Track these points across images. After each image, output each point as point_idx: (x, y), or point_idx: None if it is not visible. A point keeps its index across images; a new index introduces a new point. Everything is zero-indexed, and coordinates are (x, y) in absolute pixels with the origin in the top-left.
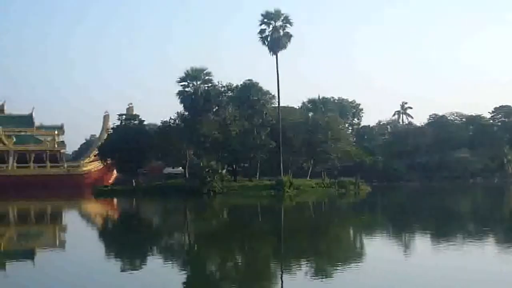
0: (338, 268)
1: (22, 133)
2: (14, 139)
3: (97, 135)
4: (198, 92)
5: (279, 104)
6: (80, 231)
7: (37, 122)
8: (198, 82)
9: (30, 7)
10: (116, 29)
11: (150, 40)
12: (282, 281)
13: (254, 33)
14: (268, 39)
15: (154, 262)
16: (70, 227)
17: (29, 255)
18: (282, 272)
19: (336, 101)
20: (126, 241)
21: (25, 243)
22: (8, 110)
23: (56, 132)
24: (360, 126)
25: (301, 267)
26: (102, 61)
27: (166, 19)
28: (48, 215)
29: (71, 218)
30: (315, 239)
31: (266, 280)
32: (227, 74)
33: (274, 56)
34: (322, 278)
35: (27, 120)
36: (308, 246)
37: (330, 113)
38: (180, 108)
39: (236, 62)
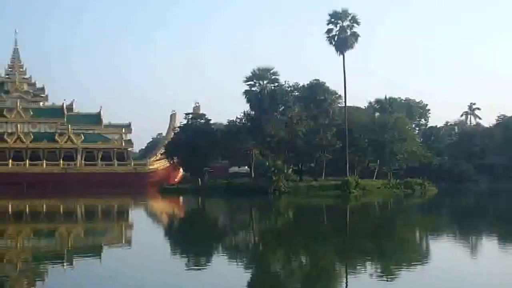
0: (403, 268)
1: (90, 131)
2: (83, 137)
3: (164, 134)
4: (264, 92)
5: (345, 104)
6: (146, 228)
7: (105, 121)
8: (265, 82)
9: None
10: (186, 28)
11: (218, 39)
12: (346, 281)
13: (320, 32)
14: (335, 39)
15: (219, 261)
16: (136, 225)
17: (96, 251)
18: (346, 272)
19: (403, 101)
20: (191, 239)
21: (92, 239)
22: (77, 108)
23: (123, 131)
24: (427, 126)
25: (365, 267)
26: (171, 60)
27: (236, 18)
28: (114, 213)
29: (137, 215)
30: (380, 240)
31: (330, 280)
32: (293, 73)
33: (341, 56)
34: (387, 279)
35: (95, 118)
36: (373, 246)
37: (397, 113)
38: (246, 107)
39: (302, 62)
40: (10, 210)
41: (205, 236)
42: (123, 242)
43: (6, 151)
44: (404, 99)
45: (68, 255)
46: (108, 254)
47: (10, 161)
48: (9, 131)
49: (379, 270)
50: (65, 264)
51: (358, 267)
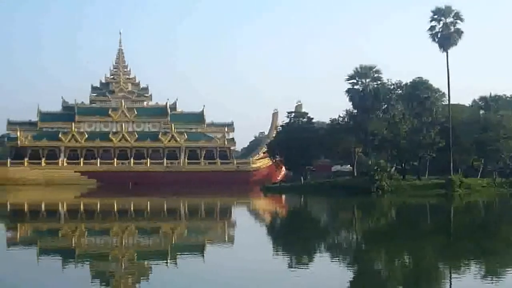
0: (508, 270)
1: (193, 130)
2: (186, 136)
3: (266, 133)
4: (367, 90)
5: (449, 101)
6: (248, 227)
7: (207, 120)
8: (367, 80)
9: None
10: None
11: (323, 38)
12: (450, 282)
13: (422, 29)
14: (438, 36)
15: (322, 260)
16: (239, 223)
17: (199, 250)
18: (450, 273)
19: (508, 98)
20: (294, 238)
21: (195, 238)
22: (180, 108)
23: (226, 129)
24: None
25: (470, 268)
26: (271, 60)
27: (338, 18)
28: (217, 211)
29: (239, 214)
30: (485, 240)
31: (433, 280)
32: (396, 71)
33: (444, 53)
34: (492, 280)
35: (198, 117)
36: (478, 246)
37: (503, 111)
38: (348, 106)
39: (404, 59)
40: (115, 208)
41: (308, 235)
42: (226, 240)
43: (111, 150)
44: (509, 96)
45: (172, 253)
46: (211, 253)
47: (115, 160)
48: (114, 130)
49: (483, 271)
50: (168, 262)
51: (462, 268)
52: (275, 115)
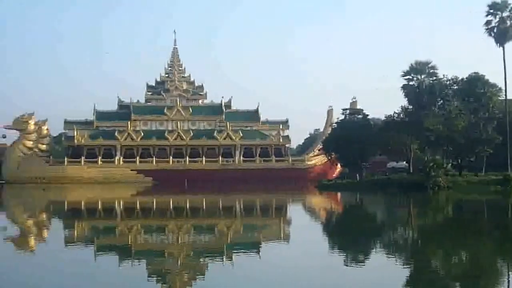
0: None
1: (248, 128)
2: (241, 134)
3: (321, 130)
4: (422, 86)
5: (506, 97)
6: (304, 224)
7: (262, 117)
8: (423, 76)
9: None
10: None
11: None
12: (508, 281)
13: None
14: (495, 30)
15: (378, 257)
16: (294, 220)
17: (255, 247)
18: (508, 271)
19: None
20: (350, 235)
21: (251, 235)
22: (234, 106)
23: (281, 127)
24: None
25: None
26: (327, 57)
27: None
28: (272, 208)
29: (295, 211)
30: None
31: (491, 279)
32: (451, 67)
33: (501, 48)
34: None
35: (253, 115)
36: None
37: None
38: (403, 102)
39: (458, 55)
40: (171, 205)
41: (363, 231)
42: (281, 238)
43: (167, 149)
44: None
45: (227, 251)
46: (266, 250)
47: (171, 158)
48: (170, 128)
49: None
50: (224, 259)
51: None
52: (330, 112)
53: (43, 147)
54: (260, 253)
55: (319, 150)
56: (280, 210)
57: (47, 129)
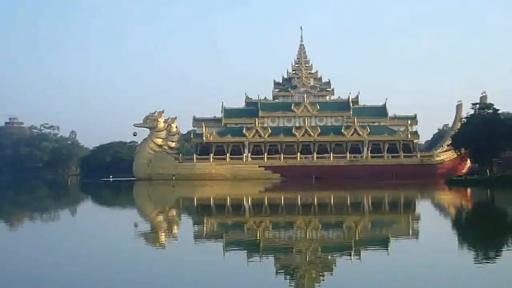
0: None
1: (376, 124)
2: (368, 130)
3: (450, 125)
4: None
5: None
6: (433, 220)
7: (390, 113)
8: None
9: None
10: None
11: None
12: None
13: None
14: None
15: (510, 255)
16: (423, 217)
17: (383, 244)
18: None
19: None
20: (480, 232)
21: (379, 231)
22: (361, 101)
23: (409, 123)
24: None
25: None
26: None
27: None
28: (401, 204)
29: (424, 207)
30: None
31: None
32: None
33: None
34: None
35: (381, 110)
36: None
37: None
38: None
39: None
40: (299, 201)
41: (495, 229)
42: (410, 234)
43: (295, 145)
44: None
45: (356, 247)
46: (395, 247)
47: (299, 154)
48: (297, 125)
49: None
50: (352, 256)
51: None
52: (459, 107)
53: (173, 144)
54: (388, 249)
55: (448, 145)
56: (409, 206)
57: (176, 126)
